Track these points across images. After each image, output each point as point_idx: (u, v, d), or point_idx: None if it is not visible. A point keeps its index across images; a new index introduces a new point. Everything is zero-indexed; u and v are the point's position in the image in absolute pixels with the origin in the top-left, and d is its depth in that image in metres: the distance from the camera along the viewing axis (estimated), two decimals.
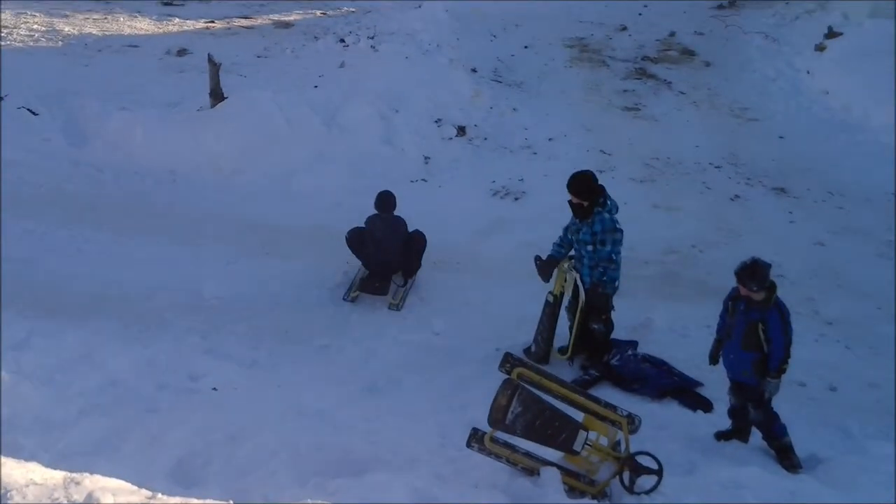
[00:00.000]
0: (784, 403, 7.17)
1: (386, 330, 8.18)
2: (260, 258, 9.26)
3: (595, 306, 7.62)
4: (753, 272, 6.34)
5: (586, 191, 7.36)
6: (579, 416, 6.19)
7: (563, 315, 7.89)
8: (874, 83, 13.25)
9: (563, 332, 7.95)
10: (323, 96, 12.28)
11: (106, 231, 9.48)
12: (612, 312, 7.76)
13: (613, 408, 6.27)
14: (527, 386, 6.01)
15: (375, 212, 8.87)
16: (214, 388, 6.99)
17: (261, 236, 9.65)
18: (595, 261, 7.41)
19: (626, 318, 8.25)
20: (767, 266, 6.39)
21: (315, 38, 14.84)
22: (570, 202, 7.48)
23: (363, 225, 8.90)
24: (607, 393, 7.32)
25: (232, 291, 8.64)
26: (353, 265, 9.02)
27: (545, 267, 7.69)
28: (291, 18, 16.32)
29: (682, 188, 11.20)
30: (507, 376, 6.02)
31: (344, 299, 8.83)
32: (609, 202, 7.37)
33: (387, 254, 8.80)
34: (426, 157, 11.05)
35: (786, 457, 6.77)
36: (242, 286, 8.74)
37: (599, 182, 7.48)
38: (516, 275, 8.63)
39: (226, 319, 8.16)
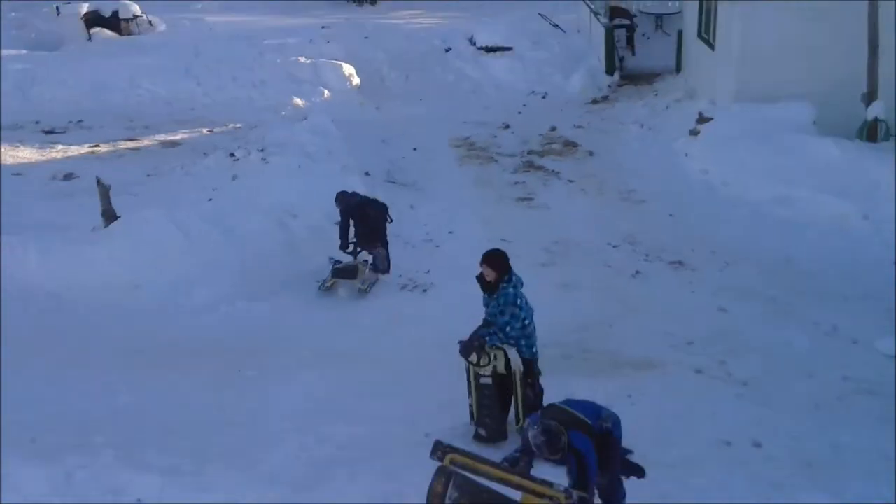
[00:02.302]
0: (715, 465, 7.29)
1: (308, 427, 7.90)
2: (171, 372, 8.94)
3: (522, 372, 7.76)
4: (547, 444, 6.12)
5: (499, 265, 7.67)
6: (517, 495, 6.08)
7: None
8: (748, 160, 13.95)
9: None
10: (218, 209, 12.17)
11: None
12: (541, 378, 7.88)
13: (549, 484, 6.17)
14: (460, 471, 5.90)
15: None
16: (138, 500, 6.60)
17: (158, 353, 9.37)
18: (499, 328, 7.70)
19: (550, 397, 8.21)
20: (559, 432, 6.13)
21: (204, 154, 14.77)
22: (479, 277, 7.73)
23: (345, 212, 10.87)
24: (540, 468, 7.23)
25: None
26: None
27: (470, 346, 7.75)
28: (178, 137, 16.24)
29: (583, 268, 11.41)
30: (439, 463, 5.90)
31: (319, 290, 10.72)
32: (514, 278, 7.72)
33: (376, 224, 10.79)
34: (331, 259, 11.01)
35: None
36: (154, 402, 8.38)
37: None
38: (432, 363, 8.66)
39: (140, 432, 7.76)
